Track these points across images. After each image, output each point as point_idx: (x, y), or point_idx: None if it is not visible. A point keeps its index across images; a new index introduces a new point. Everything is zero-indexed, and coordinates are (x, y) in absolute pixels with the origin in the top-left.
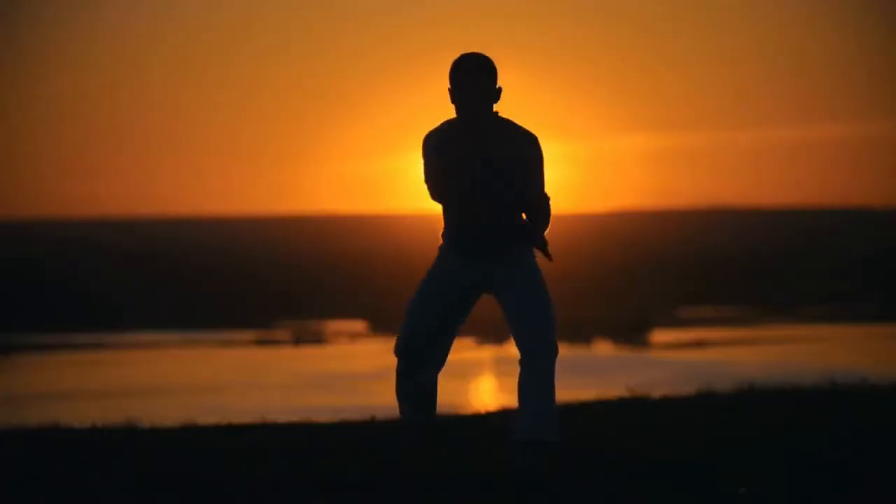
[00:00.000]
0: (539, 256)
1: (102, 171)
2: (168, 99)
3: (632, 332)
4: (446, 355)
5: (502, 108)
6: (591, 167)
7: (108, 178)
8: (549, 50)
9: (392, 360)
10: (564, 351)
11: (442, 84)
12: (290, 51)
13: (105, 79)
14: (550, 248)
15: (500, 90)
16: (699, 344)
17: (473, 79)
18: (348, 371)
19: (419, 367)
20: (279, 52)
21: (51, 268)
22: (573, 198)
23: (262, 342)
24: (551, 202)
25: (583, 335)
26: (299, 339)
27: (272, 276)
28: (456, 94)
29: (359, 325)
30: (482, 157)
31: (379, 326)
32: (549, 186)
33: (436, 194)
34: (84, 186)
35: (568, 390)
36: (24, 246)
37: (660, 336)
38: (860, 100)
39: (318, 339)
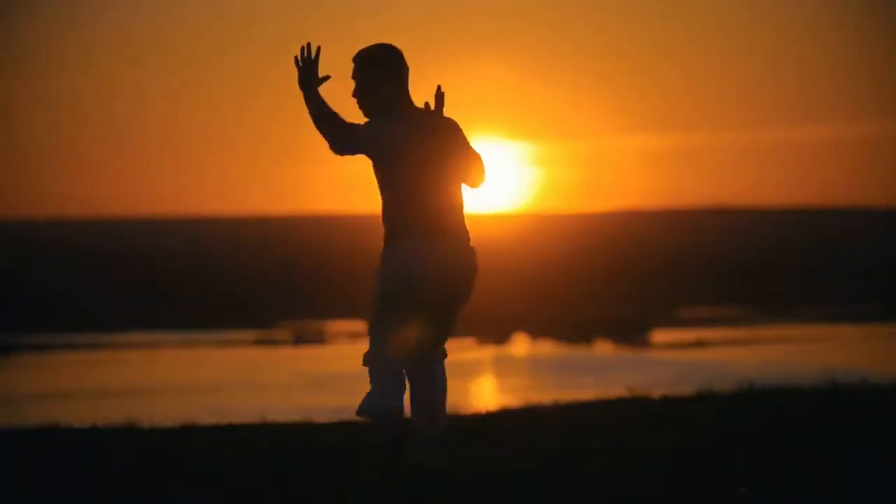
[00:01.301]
0: None
1: (102, 171)
2: (168, 99)
3: (632, 332)
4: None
5: (503, 106)
6: (592, 167)
7: (108, 178)
8: (549, 49)
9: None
10: (565, 351)
11: (443, 84)
12: (290, 51)
13: (105, 79)
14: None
15: (388, 79)
16: (699, 344)
17: (354, 72)
18: (348, 371)
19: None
20: (279, 52)
21: (50, 268)
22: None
23: (262, 342)
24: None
25: (583, 335)
26: (299, 339)
27: (272, 276)
28: None
29: (359, 325)
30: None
31: None
32: (550, 186)
33: None
34: (84, 186)
35: (568, 390)
36: (23, 246)
37: (660, 336)
38: (860, 100)
39: (318, 339)
